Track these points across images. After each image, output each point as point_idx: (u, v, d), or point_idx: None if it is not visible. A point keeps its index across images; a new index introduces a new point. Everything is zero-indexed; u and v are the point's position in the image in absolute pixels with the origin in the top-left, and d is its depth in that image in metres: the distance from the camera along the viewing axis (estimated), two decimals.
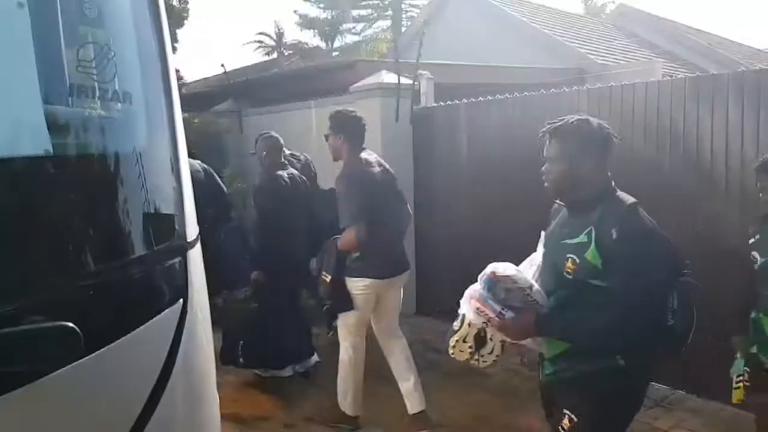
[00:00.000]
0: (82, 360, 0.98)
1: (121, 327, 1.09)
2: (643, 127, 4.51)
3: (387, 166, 3.76)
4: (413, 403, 3.62)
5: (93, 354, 1.01)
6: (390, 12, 26.28)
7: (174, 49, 9.90)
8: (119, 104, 1.16)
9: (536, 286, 2.13)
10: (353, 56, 16.30)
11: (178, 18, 8.85)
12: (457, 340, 2.26)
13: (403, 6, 25.55)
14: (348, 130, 3.67)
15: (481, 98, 5.71)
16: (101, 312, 1.08)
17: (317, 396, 4.35)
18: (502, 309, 2.11)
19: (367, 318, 3.69)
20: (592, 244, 1.99)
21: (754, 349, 2.90)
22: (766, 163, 2.80)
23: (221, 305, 4.91)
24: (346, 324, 3.66)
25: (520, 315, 2.09)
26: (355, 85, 6.41)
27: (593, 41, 12.32)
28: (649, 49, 12.93)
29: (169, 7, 7.77)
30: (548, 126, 2.12)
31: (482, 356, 2.27)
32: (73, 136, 1.10)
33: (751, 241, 2.98)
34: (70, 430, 1.03)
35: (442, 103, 6.10)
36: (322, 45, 26.42)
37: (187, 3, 9.26)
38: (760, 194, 2.84)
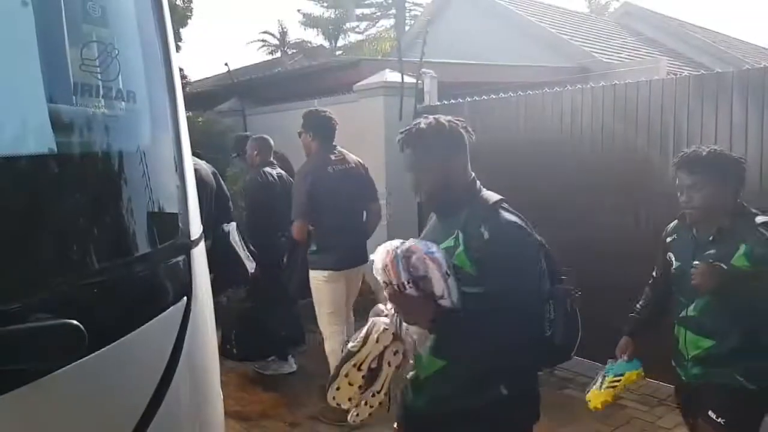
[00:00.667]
0: (86, 358, 0.98)
1: (126, 325, 1.10)
2: (647, 125, 4.50)
3: (359, 167, 4.05)
4: None
5: (97, 352, 1.01)
6: (393, 11, 26.24)
7: (178, 48, 9.92)
8: (123, 103, 1.16)
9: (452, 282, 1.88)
10: (357, 55, 16.30)
11: (181, 17, 8.87)
12: (351, 367, 1.91)
13: (406, 5, 25.52)
14: (317, 128, 3.93)
15: (484, 97, 5.70)
16: (105, 310, 1.08)
17: (322, 394, 4.35)
18: (408, 281, 1.83)
19: (340, 307, 3.88)
20: (461, 246, 1.84)
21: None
22: (684, 160, 2.67)
23: (225, 304, 4.92)
24: (320, 315, 3.89)
25: (421, 297, 1.82)
26: (359, 83, 6.41)
27: (597, 40, 12.29)
28: (653, 47, 12.89)
29: (173, 7, 7.79)
30: (399, 135, 2.03)
31: (370, 396, 1.94)
32: (77, 134, 1.10)
33: (668, 240, 2.85)
34: (74, 428, 1.03)
35: (446, 102, 6.09)
36: (326, 44, 26.42)
37: (191, 2, 9.29)
38: (678, 193, 2.73)
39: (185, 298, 1.24)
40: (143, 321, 1.13)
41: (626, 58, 10.83)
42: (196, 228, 1.33)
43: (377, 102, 6.14)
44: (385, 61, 7.84)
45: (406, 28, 21.28)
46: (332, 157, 3.91)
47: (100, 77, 1.11)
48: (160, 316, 1.17)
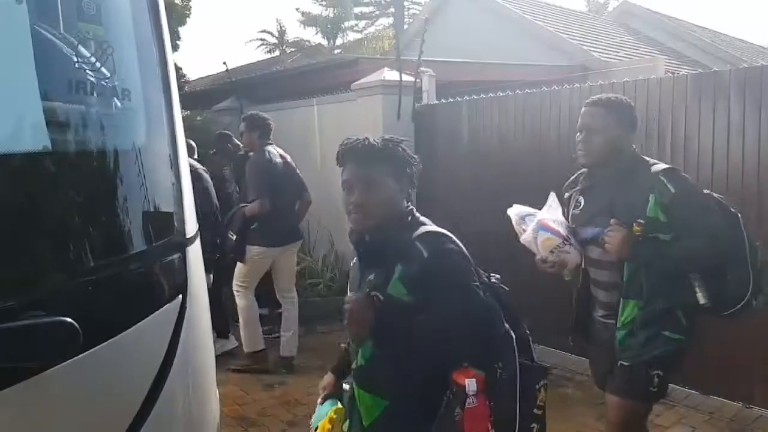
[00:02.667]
0: (80, 355, 0.98)
1: (120, 323, 1.10)
2: (645, 124, 4.51)
3: (289, 159, 4.79)
4: (285, 349, 4.70)
5: (92, 350, 1.01)
6: (392, 9, 26.25)
7: (176, 47, 9.92)
8: (118, 101, 1.16)
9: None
10: (355, 54, 16.29)
11: (180, 16, 8.85)
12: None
13: (404, 3, 25.52)
14: (263, 128, 4.68)
15: (482, 95, 5.71)
16: (100, 308, 1.08)
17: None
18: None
19: (256, 275, 4.66)
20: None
21: None
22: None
23: (222, 300, 4.94)
24: (238, 272, 4.62)
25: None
26: (357, 82, 6.42)
27: (596, 38, 12.30)
28: (651, 46, 12.89)
29: (171, 5, 7.77)
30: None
31: None
32: (72, 132, 1.10)
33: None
34: (68, 426, 1.03)
35: (444, 101, 6.10)
36: (324, 42, 26.41)
37: (190, 1, 9.26)
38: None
39: (180, 296, 1.24)
40: (138, 319, 1.13)
41: (624, 57, 10.84)
42: (191, 226, 1.33)
43: (376, 101, 6.14)
44: (383, 60, 7.84)
45: (405, 26, 21.27)
46: (274, 151, 4.67)
47: (94, 75, 1.11)
48: (155, 313, 1.17)
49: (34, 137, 1.02)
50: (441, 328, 1.73)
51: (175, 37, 9.10)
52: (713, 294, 2.38)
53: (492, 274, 2.02)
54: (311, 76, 8.43)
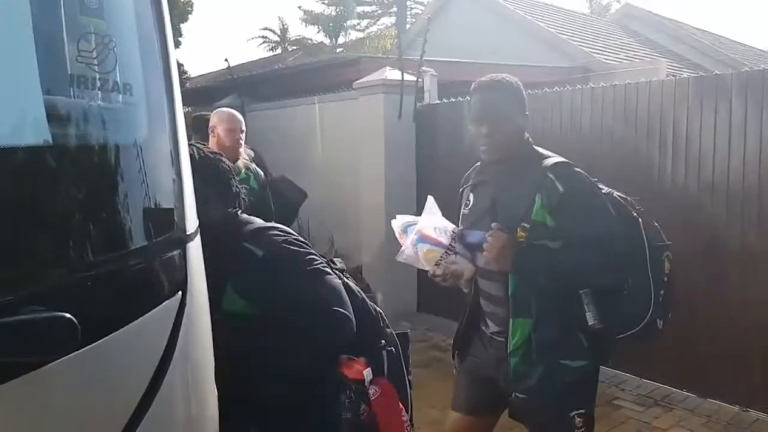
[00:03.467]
0: (79, 351, 0.98)
1: (119, 319, 1.09)
2: (647, 126, 4.50)
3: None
4: None
5: (90, 345, 1.01)
6: (394, 9, 26.24)
7: (178, 43, 9.90)
8: (120, 95, 1.15)
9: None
10: (357, 52, 16.29)
11: (182, 13, 8.85)
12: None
13: (407, 3, 25.51)
14: (201, 131, 4.38)
15: None
16: (99, 303, 1.07)
17: None
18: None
19: None
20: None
21: None
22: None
23: None
24: None
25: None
26: (359, 81, 6.41)
27: (598, 40, 12.30)
28: (653, 48, 12.90)
29: (174, 2, 7.77)
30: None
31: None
32: (73, 126, 1.10)
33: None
34: (66, 422, 1.03)
35: (446, 100, 6.09)
36: (326, 41, 26.42)
37: None
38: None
39: (180, 292, 1.24)
40: (137, 315, 1.12)
41: (625, 59, 10.84)
42: (191, 222, 1.32)
43: (377, 100, 6.14)
44: (385, 59, 7.84)
45: (407, 26, 21.27)
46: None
47: (96, 70, 1.10)
48: (154, 310, 1.16)
49: (35, 132, 1.02)
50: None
51: (177, 33, 9.09)
52: (605, 313, 2.00)
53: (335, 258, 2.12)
54: (313, 74, 8.43)
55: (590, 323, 1.99)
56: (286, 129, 7.56)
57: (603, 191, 2.13)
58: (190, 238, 1.30)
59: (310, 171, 6.70)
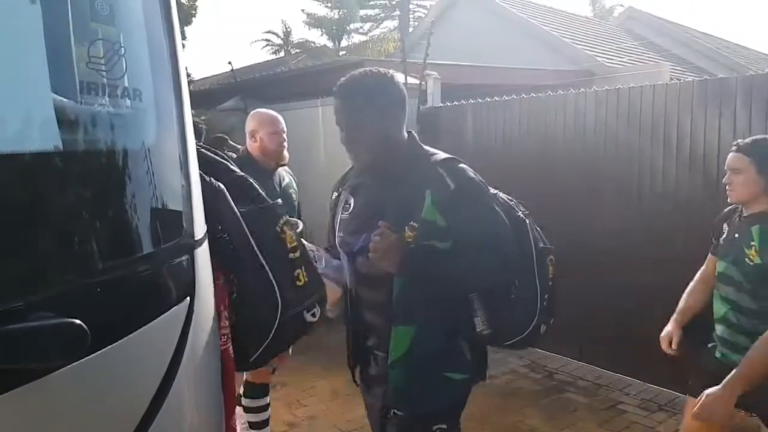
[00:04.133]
0: (88, 357, 0.98)
1: (128, 324, 1.09)
2: (651, 130, 4.50)
3: None
4: None
5: (99, 351, 1.01)
6: (397, 12, 26.26)
7: (182, 46, 9.91)
8: (129, 101, 1.16)
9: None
10: (360, 56, 16.30)
11: (186, 16, 8.88)
12: None
13: (410, 6, 25.54)
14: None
15: (487, 99, 5.70)
16: (108, 309, 1.07)
17: (321, 394, 4.35)
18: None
19: None
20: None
21: None
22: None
23: None
24: None
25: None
26: None
27: (601, 44, 12.31)
28: (656, 52, 12.90)
29: (177, 5, 7.79)
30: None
31: None
32: (83, 132, 1.10)
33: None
34: (74, 428, 1.03)
35: (449, 104, 6.10)
36: (329, 44, 26.43)
37: (195, 1, 9.28)
38: None
39: (188, 298, 1.24)
40: (147, 321, 1.12)
41: (629, 63, 10.84)
42: (200, 228, 1.33)
43: None
44: (388, 62, 7.85)
45: (410, 29, 21.28)
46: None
47: (106, 75, 1.11)
48: (163, 316, 1.16)
49: (45, 137, 1.02)
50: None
51: (180, 36, 9.10)
52: (492, 319, 1.94)
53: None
54: (316, 77, 8.44)
55: (478, 329, 1.93)
56: (289, 132, 7.53)
57: (491, 191, 2.08)
58: (199, 243, 1.30)
59: (314, 174, 6.69)
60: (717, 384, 2.20)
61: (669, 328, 2.73)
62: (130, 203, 1.17)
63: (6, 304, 0.90)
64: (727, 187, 2.49)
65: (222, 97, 8.71)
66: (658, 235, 4.32)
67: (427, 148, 2.07)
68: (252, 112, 3.93)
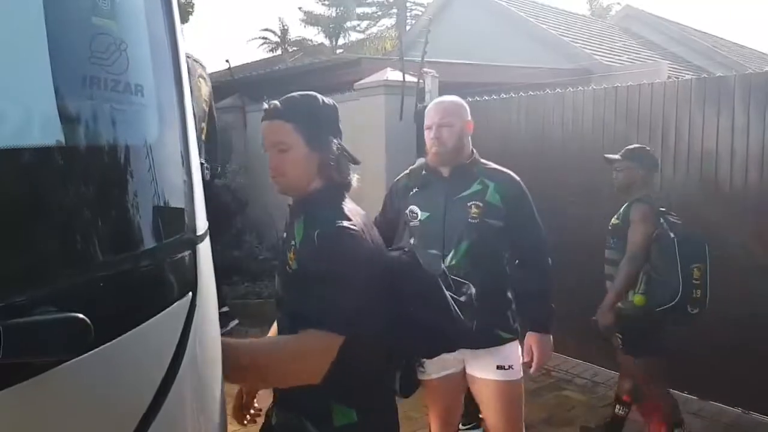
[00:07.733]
0: (91, 352, 0.98)
1: (131, 319, 1.09)
2: (649, 128, 4.51)
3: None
4: None
5: (102, 346, 1.01)
6: (395, 10, 26.26)
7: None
8: (131, 96, 1.16)
9: None
10: (358, 54, 16.29)
11: (182, 13, 8.84)
12: None
13: (407, 4, 25.54)
14: None
15: (485, 97, 5.70)
16: (111, 304, 1.07)
17: None
18: None
19: None
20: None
21: None
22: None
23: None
24: None
25: None
26: (360, 82, 6.42)
27: (599, 42, 12.32)
28: (653, 50, 12.92)
29: None
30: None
31: None
32: (85, 127, 1.10)
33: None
34: (77, 423, 1.03)
35: None
36: (327, 42, 26.42)
37: None
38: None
39: (190, 293, 1.24)
40: (148, 316, 1.12)
41: (627, 61, 10.85)
42: (201, 223, 1.33)
43: (378, 101, 6.15)
44: (386, 60, 7.84)
45: (408, 27, 21.28)
46: None
47: (108, 71, 1.11)
48: (165, 311, 1.16)
49: (47, 133, 1.02)
50: None
51: None
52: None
53: None
54: (313, 75, 8.43)
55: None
56: None
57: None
58: (201, 239, 1.30)
59: None
60: None
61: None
62: (132, 198, 1.17)
63: (9, 299, 0.90)
64: None
65: (219, 95, 8.70)
66: None
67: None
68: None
